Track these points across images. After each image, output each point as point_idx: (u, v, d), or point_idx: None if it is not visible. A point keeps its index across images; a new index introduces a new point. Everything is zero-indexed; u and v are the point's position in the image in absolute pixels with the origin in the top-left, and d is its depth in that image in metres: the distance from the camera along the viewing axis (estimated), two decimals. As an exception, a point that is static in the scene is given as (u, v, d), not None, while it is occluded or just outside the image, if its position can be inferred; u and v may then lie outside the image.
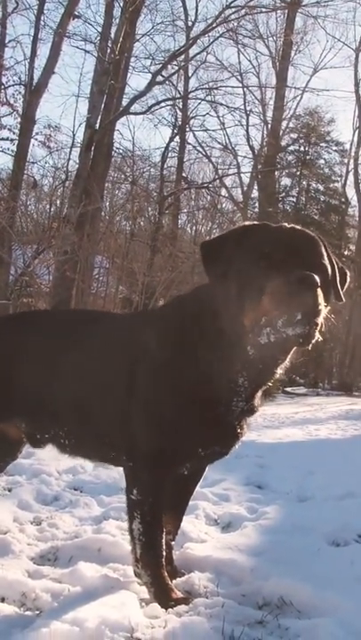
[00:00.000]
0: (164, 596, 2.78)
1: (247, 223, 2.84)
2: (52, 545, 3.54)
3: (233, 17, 21.46)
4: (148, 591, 2.84)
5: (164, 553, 3.16)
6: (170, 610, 2.67)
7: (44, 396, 3.13)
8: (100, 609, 2.45)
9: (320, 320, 2.49)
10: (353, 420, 13.03)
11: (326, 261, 2.68)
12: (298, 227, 2.74)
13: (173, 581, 2.97)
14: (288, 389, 23.07)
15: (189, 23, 23.45)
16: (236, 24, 22.64)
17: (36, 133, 19.31)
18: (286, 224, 2.79)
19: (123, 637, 2.35)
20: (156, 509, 2.87)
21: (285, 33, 26.59)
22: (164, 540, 3.10)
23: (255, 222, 2.85)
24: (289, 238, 2.62)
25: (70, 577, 2.95)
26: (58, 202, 21.16)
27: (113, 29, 20.07)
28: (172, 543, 3.25)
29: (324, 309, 2.51)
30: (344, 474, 6.30)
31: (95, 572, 3.01)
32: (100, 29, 20.36)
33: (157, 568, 2.84)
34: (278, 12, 25.76)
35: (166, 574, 2.89)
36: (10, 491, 4.84)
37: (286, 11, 25.46)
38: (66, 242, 16.39)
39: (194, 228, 32.30)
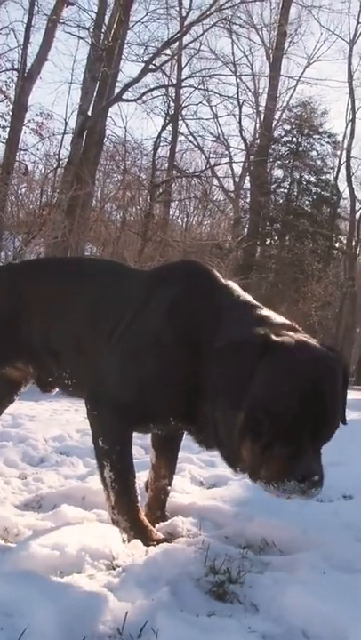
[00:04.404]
0: (143, 538, 2.73)
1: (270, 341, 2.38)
2: (37, 494, 3.53)
3: (227, 5, 21.46)
4: (127, 535, 2.75)
5: (162, 497, 3.19)
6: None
7: (48, 337, 3.18)
8: (81, 538, 2.43)
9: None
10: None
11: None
12: (323, 366, 2.42)
13: (156, 525, 2.97)
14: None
15: (183, 12, 23.47)
16: (230, 13, 22.65)
17: (28, 121, 19.33)
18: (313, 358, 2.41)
19: (103, 564, 2.35)
20: (125, 456, 2.83)
21: (280, 23, 26.49)
22: (158, 485, 3.16)
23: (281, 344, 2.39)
24: (313, 391, 2.34)
25: (53, 517, 2.94)
26: (49, 190, 21.01)
27: (107, 16, 20.00)
28: (169, 488, 3.24)
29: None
30: (330, 448, 6.30)
31: (78, 513, 3.01)
32: (94, 16, 20.26)
33: (134, 512, 2.81)
34: (273, 3, 25.79)
35: (144, 518, 2.86)
36: (-5, 452, 4.81)
37: (281, 1, 25.42)
38: (57, 227, 16.33)
39: (185, 219, 32.25)
